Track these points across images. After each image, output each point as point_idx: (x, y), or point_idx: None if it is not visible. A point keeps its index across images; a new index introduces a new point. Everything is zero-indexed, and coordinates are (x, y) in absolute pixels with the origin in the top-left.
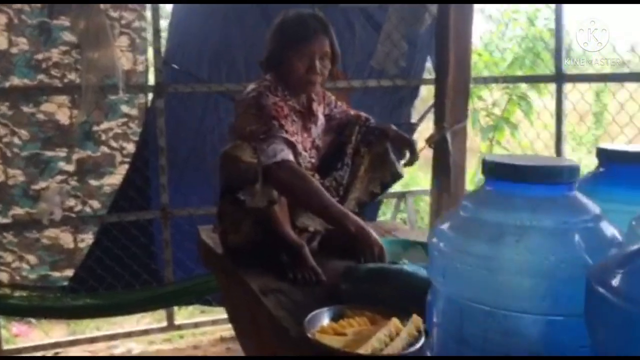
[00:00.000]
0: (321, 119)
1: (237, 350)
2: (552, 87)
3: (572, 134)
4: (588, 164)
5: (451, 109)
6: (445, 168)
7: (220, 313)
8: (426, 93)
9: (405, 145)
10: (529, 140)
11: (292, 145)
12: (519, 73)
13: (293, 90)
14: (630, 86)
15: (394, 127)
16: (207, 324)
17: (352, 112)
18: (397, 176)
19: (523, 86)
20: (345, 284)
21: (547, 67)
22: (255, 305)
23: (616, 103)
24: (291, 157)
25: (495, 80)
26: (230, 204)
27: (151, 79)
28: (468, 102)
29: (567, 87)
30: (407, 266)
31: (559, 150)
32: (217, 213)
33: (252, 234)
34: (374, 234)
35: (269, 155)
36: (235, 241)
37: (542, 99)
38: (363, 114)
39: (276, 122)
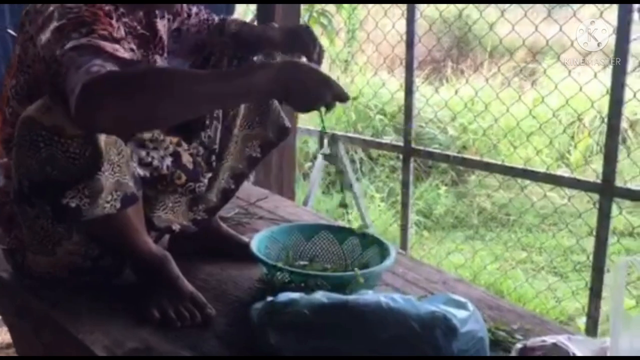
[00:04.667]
0: (166, 43)
1: None
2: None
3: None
4: None
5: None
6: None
7: None
8: (243, 8)
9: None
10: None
11: (119, 60)
12: None
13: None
14: None
15: (275, 26)
16: None
17: (215, 17)
18: (284, 132)
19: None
20: (275, 333)
21: None
22: None
23: None
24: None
25: None
26: (40, 212)
27: None
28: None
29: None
30: (385, 296)
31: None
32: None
33: (77, 255)
34: None
35: (75, 79)
36: (45, 266)
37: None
38: (233, 20)
39: (87, 28)
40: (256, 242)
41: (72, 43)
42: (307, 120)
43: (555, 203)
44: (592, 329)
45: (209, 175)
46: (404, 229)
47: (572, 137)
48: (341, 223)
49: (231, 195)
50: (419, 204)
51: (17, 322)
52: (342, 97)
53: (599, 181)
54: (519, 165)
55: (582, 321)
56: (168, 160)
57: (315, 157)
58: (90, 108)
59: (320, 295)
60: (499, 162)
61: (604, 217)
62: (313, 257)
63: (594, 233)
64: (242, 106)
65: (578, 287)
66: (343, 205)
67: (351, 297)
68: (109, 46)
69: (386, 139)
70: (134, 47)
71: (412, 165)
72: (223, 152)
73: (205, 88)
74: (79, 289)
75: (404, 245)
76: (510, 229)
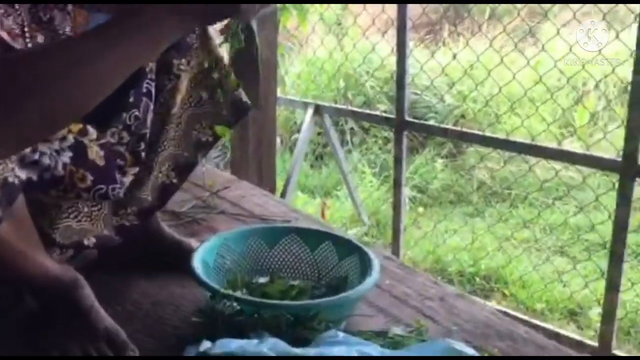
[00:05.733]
0: None
1: None
2: None
3: None
4: None
5: None
6: (252, 70)
7: None
8: None
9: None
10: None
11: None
12: None
13: None
14: None
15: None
16: None
17: None
18: (242, 109)
19: None
20: None
21: None
22: None
23: None
24: None
25: None
26: None
27: None
28: None
29: None
30: (359, 350)
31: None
32: None
33: None
34: None
35: None
36: None
37: None
38: None
39: None
40: (202, 253)
41: None
42: (289, 91)
43: (562, 176)
44: (607, 324)
45: (134, 170)
46: (396, 210)
47: (577, 103)
48: (319, 225)
49: (172, 192)
50: (414, 178)
51: None
52: None
53: (619, 159)
54: (525, 139)
55: (594, 312)
56: (65, 157)
57: (299, 130)
58: None
59: (269, 347)
60: (502, 137)
61: (625, 200)
62: (277, 269)
63: (612, 217)
64: (183, 79)
65: (589, 270)
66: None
67: (312, 351)
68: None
69: (379, 109)
70: (19, 6)
71: (405, 140)
72: (159, 138)
73: (110, 60)
74: None
75: (396, 227)
76: (512, 205)
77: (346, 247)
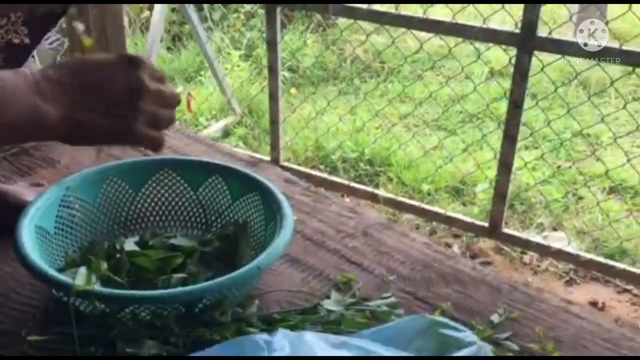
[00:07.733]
0: None
1: None
2: None
3: None
4: None
5: None
6: None
7: None
8: None
9: None
10: None
11: None
12: None
13: None
14: None
15: None
16: None
17: None
18: None
19: None
20: None
21: None
22: None
23: None
24: None
25: None
26: None
27: None
28: None
29: None
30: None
31: None
32: None
33: None
34: None
35: None
36: None
37: None
38: None
39: None
40: (34, 216)
41: None
42: None
43: (434, 44)
44: (498, 205)
45: None
46: (273, 99)
47: None
48: (196, 141)
49: None
50: (284, 56)
51: None
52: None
53: (517, 31)
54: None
55: (480, 189)
56: None
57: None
58: None
59: None
60: (396, 12)
61: (522, 75)
62: (149, 221)
63: (507, 95)
64: None
65: (468, 144)
66: None
67: None
68: None
69: None
70: None
71: (279, 17)
72: None
73: None
74: None
75: (274, 119)
76: (386, 79)
77: (241, 183)
